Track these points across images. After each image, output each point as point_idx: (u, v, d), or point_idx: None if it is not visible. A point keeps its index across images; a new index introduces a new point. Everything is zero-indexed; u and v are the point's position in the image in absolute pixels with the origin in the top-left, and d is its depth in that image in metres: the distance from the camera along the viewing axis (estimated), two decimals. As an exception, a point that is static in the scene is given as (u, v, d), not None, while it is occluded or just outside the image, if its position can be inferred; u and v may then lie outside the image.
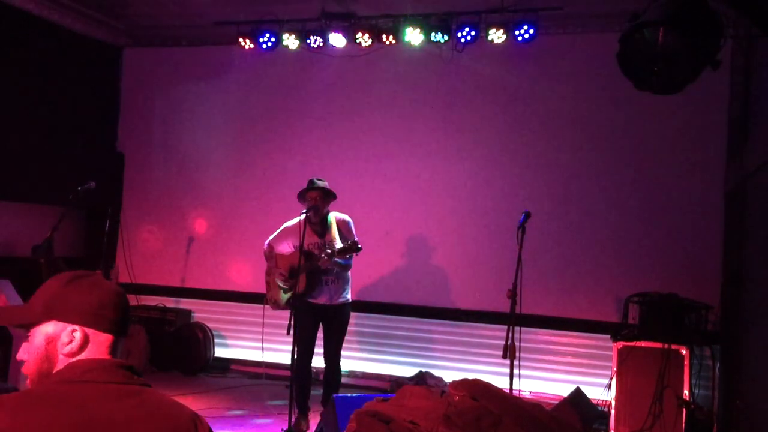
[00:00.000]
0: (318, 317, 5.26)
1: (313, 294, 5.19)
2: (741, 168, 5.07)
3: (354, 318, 5.65)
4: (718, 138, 6.07)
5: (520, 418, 3.27)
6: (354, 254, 5.05)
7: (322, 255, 5.01)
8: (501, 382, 4.39)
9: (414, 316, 6.99)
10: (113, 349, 1.62)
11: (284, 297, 5.26)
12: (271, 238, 5.40)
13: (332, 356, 5.31)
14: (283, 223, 5.43)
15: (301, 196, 5.24)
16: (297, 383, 5.18)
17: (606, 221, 6.46)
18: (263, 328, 5.36)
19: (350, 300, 5.38)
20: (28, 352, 1.60)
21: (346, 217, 5.33)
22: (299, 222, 5.23)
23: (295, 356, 4.96)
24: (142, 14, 7.44)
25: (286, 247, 5.32)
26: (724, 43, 3.09)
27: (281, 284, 5.23)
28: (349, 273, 5.34)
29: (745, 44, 5.30)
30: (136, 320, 7.43)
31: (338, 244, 5.06)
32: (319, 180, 5.24)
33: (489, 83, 6.92)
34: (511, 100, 6.84)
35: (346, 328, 5.39)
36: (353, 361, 6.88)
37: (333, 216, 5.29)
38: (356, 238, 5.12)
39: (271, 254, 5.38)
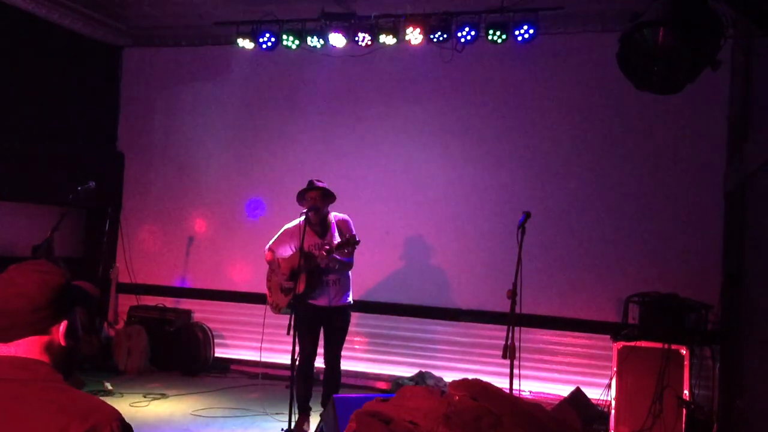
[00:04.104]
0: (319, 318, 5.26)
1: (314, 295, 5.18)
2: (741, 168, 5.06)
3: (354, 318, 5.64)
4: (718, 138, 6.06)
5: (520, 418, 3.27)
6: (353, 248, 5.05)
7: (321, 252, 5.00)
8: (501, 382, 4.39)
9: (414, 316, 6.99)
10: None
11: (285, 300, 5.26)
12: (271, 242, 5.39)
13: (332, 358, 5.31)
14: (282, 225, 5.43)
15: (301, 196, 5.24)
16: (299, 384, 5.19)
17: (606, 221, 6.46)
18: (263, 328, 5.35)
19: (351, 302, 5.38)
20: None
21: (346, 217, 5.34)
22: (299, 223, 5.23)
23: (296, 356, 4.96)
24: (142, 14, 7.44)
25: (287, 250, 5.30)
26: (724, 43, 3.09)
27: (283, 286, 5.23)
28: (350, 275, 5.34)
29: (745, 44, 5.29)
30: (137, 320, 7.43)
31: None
32: (318, 181, 5.24)
33: (489, 83, 6.92)
34: (511, 101, 6.84)
35: (346, 330, 5.38)
36: (353, 362, 6.88)
37: (332, 216, 5.29)
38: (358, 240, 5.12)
39: (273, 258, 5.37)
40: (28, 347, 1.58)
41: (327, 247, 5.01)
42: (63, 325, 1.62)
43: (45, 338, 1.60)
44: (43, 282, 1.59)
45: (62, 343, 1.62)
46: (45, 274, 1.61)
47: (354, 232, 5.22)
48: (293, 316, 4.87)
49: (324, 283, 5.17)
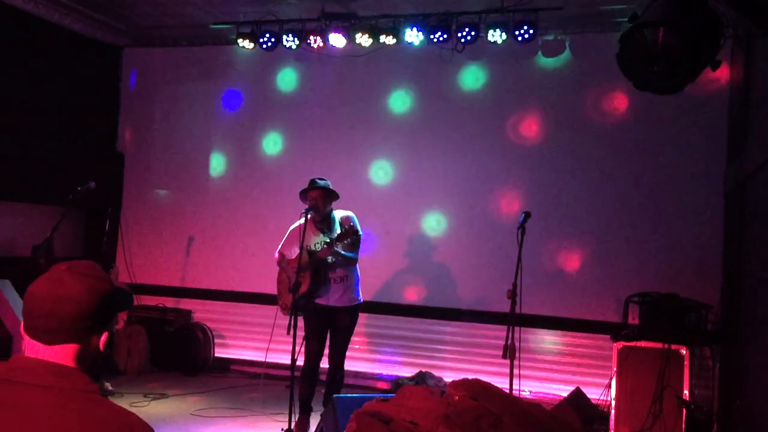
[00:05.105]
0: (325, 318, 5.25)
1: (320, 293, 5.18)
2: (741, 168, 5.06)
3: (356, 318, 5.64)
4: (718, 138, 6.07)
5: (520, 418, 3.27)
6: (356, 241, 5.03)
7: (322, 245, 5.00)
8: (501, 382, 4.39)
9: (414, 316, 6.99)
10: None
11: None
12: (280, 246, 5.38)
13: (336, 357, 5.31)
14: (285, 226, 5.43)
15: (303, 195, 5.24)
16: (303, 384, 5.18)
17: (606, 221, 6.46)
18: (273, 329, 5.35)
19: (360, 301, 5.36)
20: None
21: (350, 213, 5.32)
22: (302, 223, 5.23)
23: (296, 357, 4.95)
24: (142, 14, 7.44)
25: (296, 250, 5.30)
26: (724, 43, 3.08)
27: (291, 279, 5.22)
28: (358, 273, 5.33)
29: (745, 44, 5.29)
30: (136, 320, 7.43)
31: None
32: (321, 179, 5.23)
33: (489, 83, 6.92)
34: (511, 100, 6.84)
35: (352, 331, 5.37)
36: (353, 362, 6.87)
37: (336, 213, 5.29)
38: (361, 233, 5.14)
39: (283, 261, 5.37)
40: (64, 353, 1.54)
41: (327, 239, 5.00)
42: (105, 336, 1.60)
43: (80, 346, 1.56)
44: (92, 287, 1.55)
45: (101, 350, 1.59)
46: (94, 278, 1.57)
47: (359, 229, 5.23)
48: (293, 316, 4.87)
49: (330, 281, 5.17)
